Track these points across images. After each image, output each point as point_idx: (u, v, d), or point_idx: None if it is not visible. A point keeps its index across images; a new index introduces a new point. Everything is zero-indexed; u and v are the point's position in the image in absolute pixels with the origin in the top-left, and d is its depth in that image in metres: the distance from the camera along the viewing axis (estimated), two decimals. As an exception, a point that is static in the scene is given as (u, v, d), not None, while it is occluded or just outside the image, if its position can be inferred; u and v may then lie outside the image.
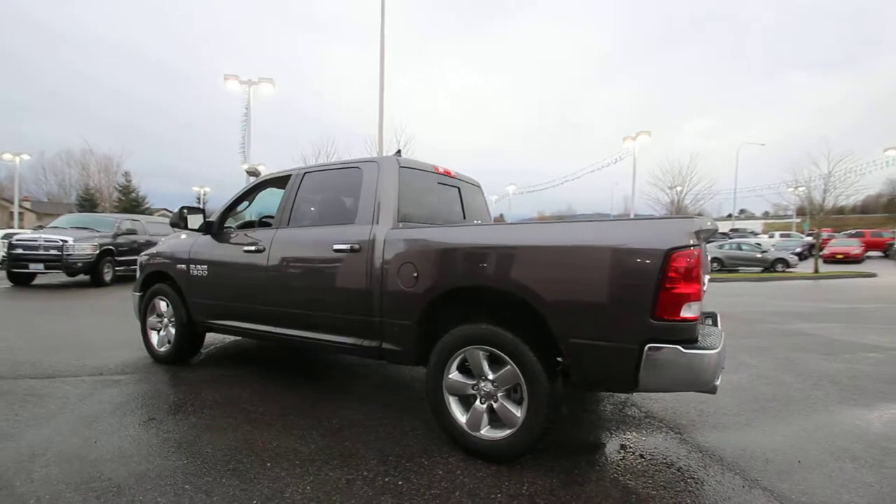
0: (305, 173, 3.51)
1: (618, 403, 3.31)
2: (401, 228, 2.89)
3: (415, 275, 2.68)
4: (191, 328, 3.98)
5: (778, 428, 2.95)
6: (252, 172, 17.60)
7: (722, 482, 2.29)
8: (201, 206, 3.89)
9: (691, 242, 2.01)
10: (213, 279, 3.74)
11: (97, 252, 10.19)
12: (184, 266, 3.94)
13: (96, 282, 10.24)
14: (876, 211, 52.63)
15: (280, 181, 3.74)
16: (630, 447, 2.66)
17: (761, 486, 2.25)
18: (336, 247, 3.00)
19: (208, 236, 3.87)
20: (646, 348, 2.03)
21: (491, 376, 2.44)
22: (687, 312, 2.00)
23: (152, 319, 4.25)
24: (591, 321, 2.15)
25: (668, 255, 1.99)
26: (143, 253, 4.57)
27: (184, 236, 4.15)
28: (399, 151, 3.27)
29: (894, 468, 2.45)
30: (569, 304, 2.20)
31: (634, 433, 2.85)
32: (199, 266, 3.82)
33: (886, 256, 25.65)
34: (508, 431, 2.38)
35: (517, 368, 2.32)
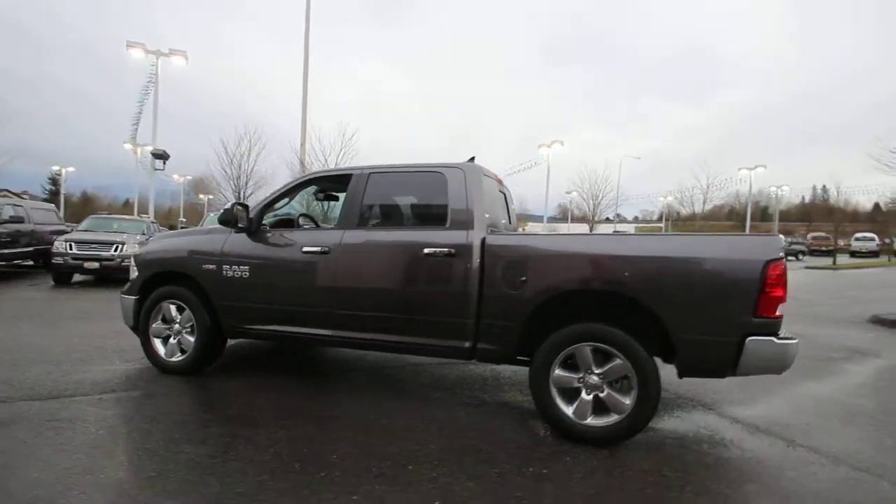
0: (371, 174, 3.43)
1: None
2: (499, 234, 3.04)
3: (522, 279, 2.86)
4: (215, 334, 3.64)
5: (773, 401, 3.69)
6: (159, 155, 15.56)
7: (772, 445, 2.87)
8: (245, 203, 3.55)
9: (781, 255, 2.52)
10: (257, 280, 3.46)
11: (-25, 244, 8.32)
12: (213, 266, 3.57)
13: (-27, 280, 8.36)
14: (720, 219, 63.72)
15: (335, 180, 3.59)
16: (690, 423, 3.15)
17: (798, 445, 2.87)
18: (428, 250, 3.04)
19: (243, 234, 3.57)
20: (747, 340, 2.49)
21: (597, 370, 2.74)
22: (779, 311, 2.51)
23: (157, 326, 3.77)
24: (703, 319, 2.56)
25: (767, 265, 2.48)
26: (139, 251, 4.01)
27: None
28: (473, 158, 3.38)
29: (865, 423, 3.27)
30: (684, 305, 2.58)
31: (682, 412, 3.37)
32: (236, 266, 3.51)
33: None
34: (616, 417, 2.70)
35: (628, 362, 2.65)
